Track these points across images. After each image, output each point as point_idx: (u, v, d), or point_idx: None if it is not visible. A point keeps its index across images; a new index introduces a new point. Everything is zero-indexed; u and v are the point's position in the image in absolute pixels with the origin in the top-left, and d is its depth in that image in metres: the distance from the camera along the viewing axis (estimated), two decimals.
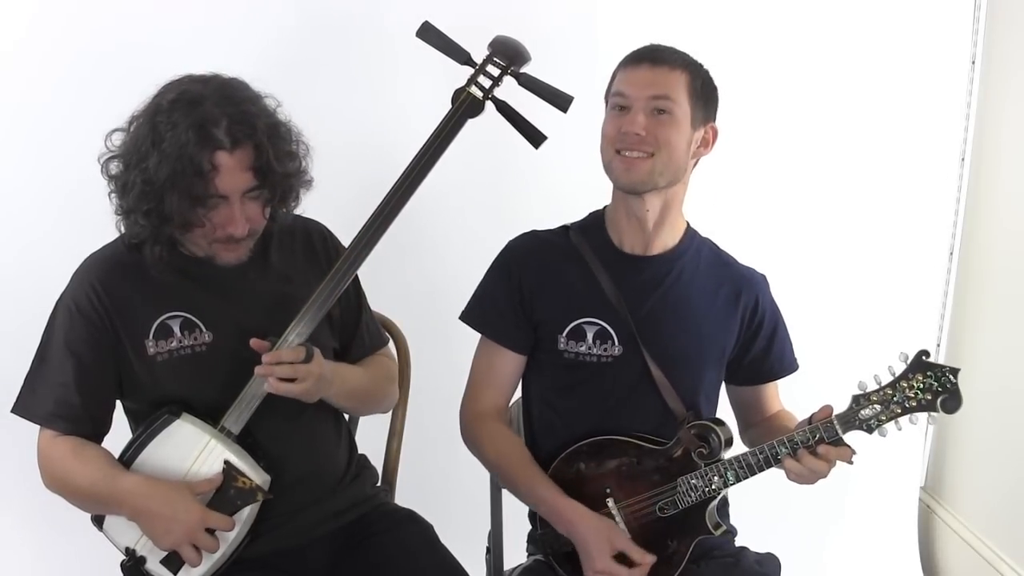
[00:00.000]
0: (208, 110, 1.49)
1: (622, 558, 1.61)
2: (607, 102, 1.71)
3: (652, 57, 1.64)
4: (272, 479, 1.58)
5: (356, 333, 1.81)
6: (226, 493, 1.54)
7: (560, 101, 1.69)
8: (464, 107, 1.67)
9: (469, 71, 1.70)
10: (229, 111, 1.51)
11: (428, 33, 1.69)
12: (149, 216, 1.52)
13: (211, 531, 1.52)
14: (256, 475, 1.56)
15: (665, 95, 1.62)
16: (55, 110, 2.25)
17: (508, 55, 1.69)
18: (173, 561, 1.53)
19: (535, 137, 1.71)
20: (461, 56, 1.69)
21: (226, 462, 1.54)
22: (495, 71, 1.69)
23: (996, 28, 2.54)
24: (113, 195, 1.59)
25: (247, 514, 1.56)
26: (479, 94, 1.68)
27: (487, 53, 1.70)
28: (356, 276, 1.78)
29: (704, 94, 1.66)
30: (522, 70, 1.71)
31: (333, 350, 1.76)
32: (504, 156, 2.48)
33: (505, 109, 1.71)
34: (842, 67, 2.54)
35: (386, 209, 1.63)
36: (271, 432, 1.64)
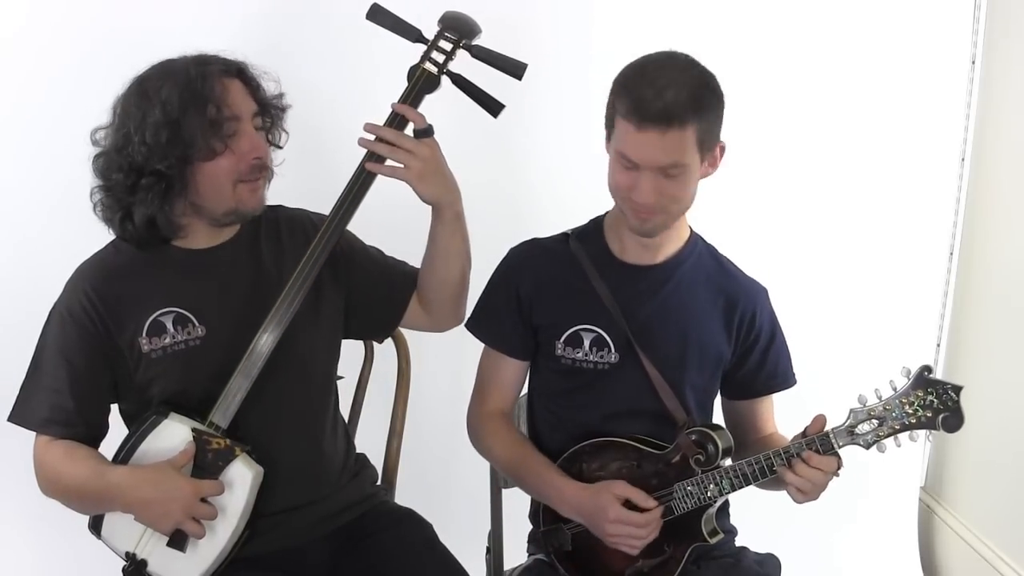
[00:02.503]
0: (191, 57, 1.58)
1: None
2: (608, 128, 1.62)
3: (664, 119, 1.49)
4: (266, 473, 1.59)
5: (395, 272, 1.84)
6: (204, 459, 1.55)
7: (514, 69, 1.67)
8: (420, 83, 1.66)
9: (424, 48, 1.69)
10: (209, 57, 1.59)
11: (378, 15, 1.69)
12: (167, 156, 1.52)
13: (205, 500, 1.53)
14: (248, 468, 1.56)
15: (675, 162, 1.53)
16: (49, 107, 2.25)
17: (459, 29, 1.68)
18: (178, 540, 1.54)
19: (493, 107, 1.69)
20: (412, 35, 1.68)
21: (193, 429, 1.55)
22: (447, 46, 1.68)
23: (996, 28, 2.54)
24: (99, 195, 1.61)
25: (245, 504, 1.56)
26: (434, 69, 1.67)
27: (438, 29, 1.69)
28: (363, 247, 1.83)
29: (711, 127, 1.57)
30: (474, 42, 1.69)
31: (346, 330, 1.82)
32: (507, 156, 2.49)
33: (461, 82, 1.69)
34: (842, 67, 2.53)
35: (353, 190, 1.65)
36: (262, 426, 1.64)
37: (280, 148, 1.73)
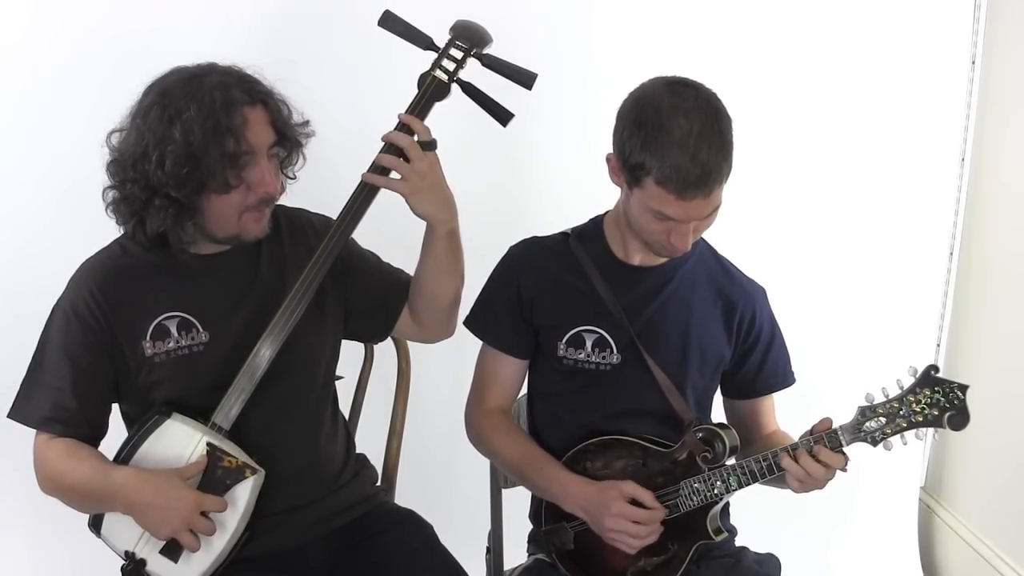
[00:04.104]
0: (217, 78, 1.54)
1: None
2: (627, 176, 1.57)
3: (706, 185, 1.49)
4: (267, 474, 1.58)
5: (391, 279, 1.83)
6: (214, 475, 1.55)
7: (525, 79, 1.67)
8: (430, 91, 1.66)
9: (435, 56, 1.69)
10: (234, 77, 1.57)
11: (389, 22, 1.69)
12: (184, 186, 1.51)
13: (205, 515, 1.52)
14: (247, 459, 1.56)
15: (716, 207, 1.56)
16: (52, 108, 2.24)
17: (470, 38, 1.68)
18: (172, 549, 1.54)
19: (502, 116, 1.70)
20: (423, 42, 1.68)
21: (208, 444, 1.55)
22: (458, 54, 1.68)
23: (996, 28, 2.54)
24: (112, 196, 1.59)
25: (246, 503, 1.56)
26: (444, 77, 1.67)
27: (449, 37, 1.69)
28: (360, 252, 1.82)
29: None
30: (485, 51, 1.69)
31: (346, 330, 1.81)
32: (509, 159, 2.48)
33: (471, 90, 1.69)
34: (842, 67, 2.53)
35: (357, 202, 1.64)
36: (263, 426, 1.64)
37: (293, 179, 1.72)
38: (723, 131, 1.52)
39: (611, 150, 1.61)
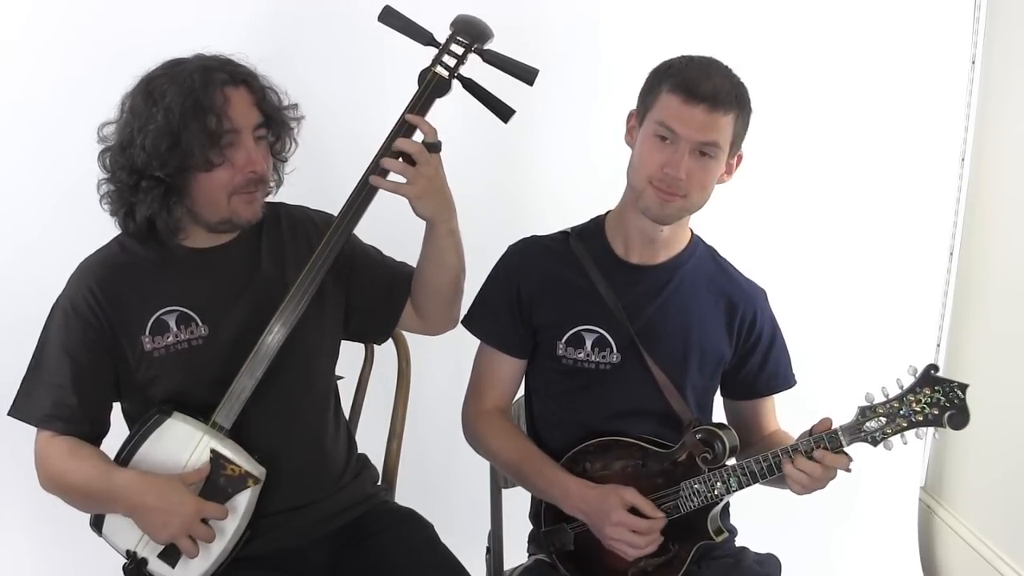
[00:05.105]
0: (199, 62, 1.56)
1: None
2: (642, 111, 1.65)
3: (712, 99, 1.56)
4: (268, 474, 1.58)
5: (395, 273, 1.83)
6: (216, 482, 1.55)
7: (526, 74, 1.67)
8: (431, 87, 1.65)
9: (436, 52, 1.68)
10: (217, 61, 1.58)
11: (390, 17, 1.68)
12: (166, 164, 1.52)
13: (205, 521, 1.53)
14: (249, 466, 1.56)
15: (715, 142, 1.58)
16: (52, 108, 2.24)
17: (471, 34, 1.67)
18: (170, 554, 1.54)
19: (503, 112, 1.69)
20: (424, 37, 1.68)
21: (212, 451, 1.55)
22: (459, 50, 1.67)
23: (996, 28, 2.54)
24: (106, 188, 1.60)
25: (246, 506, 1.56)
26: (445, 73, 1.66)
27: (450, 33, 1.68)
28: (362, 247, 1.82)
29: (742, 130, 1.64)
30: (486, 47, 1.69)
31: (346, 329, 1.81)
32: (509, 157, 2.48)
33: (472, 86, 1.69)
34: (842, 67, 2.53)
35: (360, 196, 1.64)
36: (264, 426, 1.64)
37: (284, 161, 1.72)
38: (740, 84, 1.62)
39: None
